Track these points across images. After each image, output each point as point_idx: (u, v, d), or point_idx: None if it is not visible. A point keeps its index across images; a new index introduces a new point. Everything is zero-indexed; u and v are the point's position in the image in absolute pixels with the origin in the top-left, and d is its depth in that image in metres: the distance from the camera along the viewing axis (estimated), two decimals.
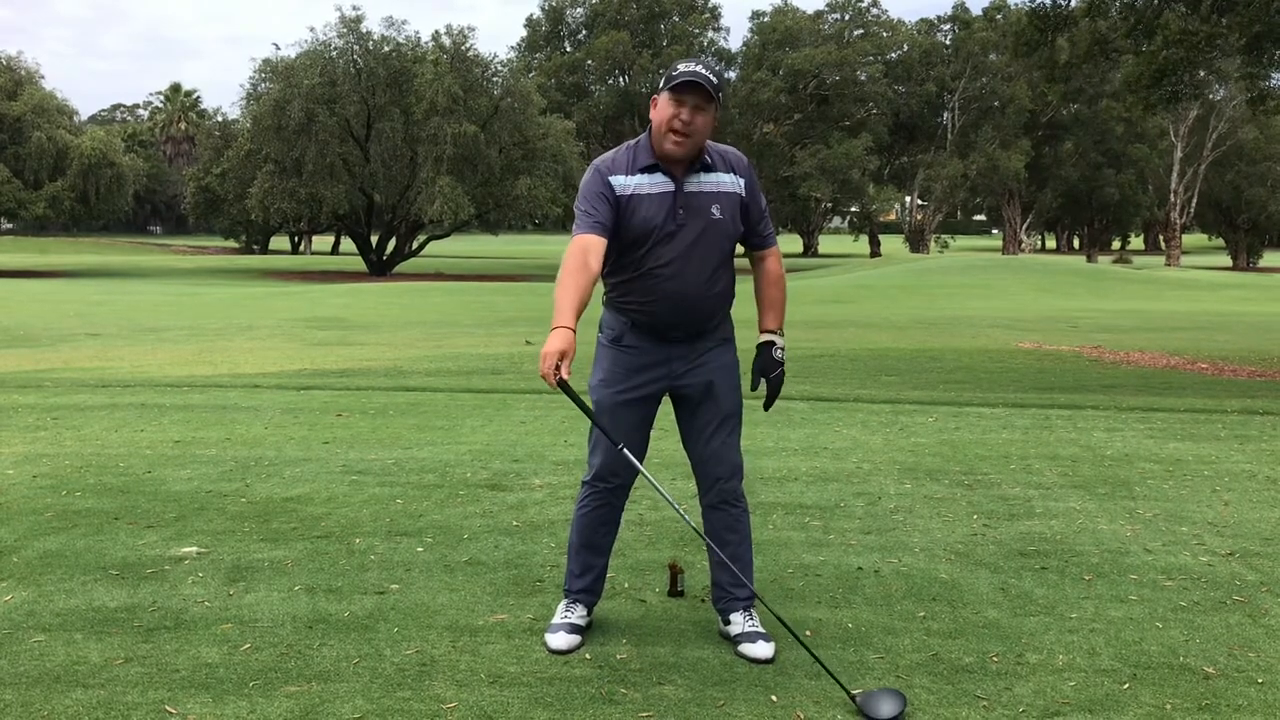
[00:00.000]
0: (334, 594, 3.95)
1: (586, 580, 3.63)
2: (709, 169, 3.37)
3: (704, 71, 3.24)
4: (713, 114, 3.28)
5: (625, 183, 3.33)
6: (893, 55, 67.78)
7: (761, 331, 3.53)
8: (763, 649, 3.38)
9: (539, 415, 7.96)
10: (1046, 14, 16.40)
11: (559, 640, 3.46)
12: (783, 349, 3.52)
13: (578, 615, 3.57)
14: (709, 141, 3.39)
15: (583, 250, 3.22)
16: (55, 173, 54.83)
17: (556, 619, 3.57)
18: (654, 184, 3.33)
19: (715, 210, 3.35)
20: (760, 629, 3.48)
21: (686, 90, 3.22)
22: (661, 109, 3.28)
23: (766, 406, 3.56)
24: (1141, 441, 7.12)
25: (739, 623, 3.49)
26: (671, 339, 3.43)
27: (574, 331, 3.13)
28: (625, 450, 3.31)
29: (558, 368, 3.06)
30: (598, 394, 3.50)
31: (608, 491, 3.56)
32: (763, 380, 3.51)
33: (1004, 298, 32.23)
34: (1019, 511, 5.22)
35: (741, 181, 3.41)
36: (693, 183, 3.35)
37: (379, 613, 3.76)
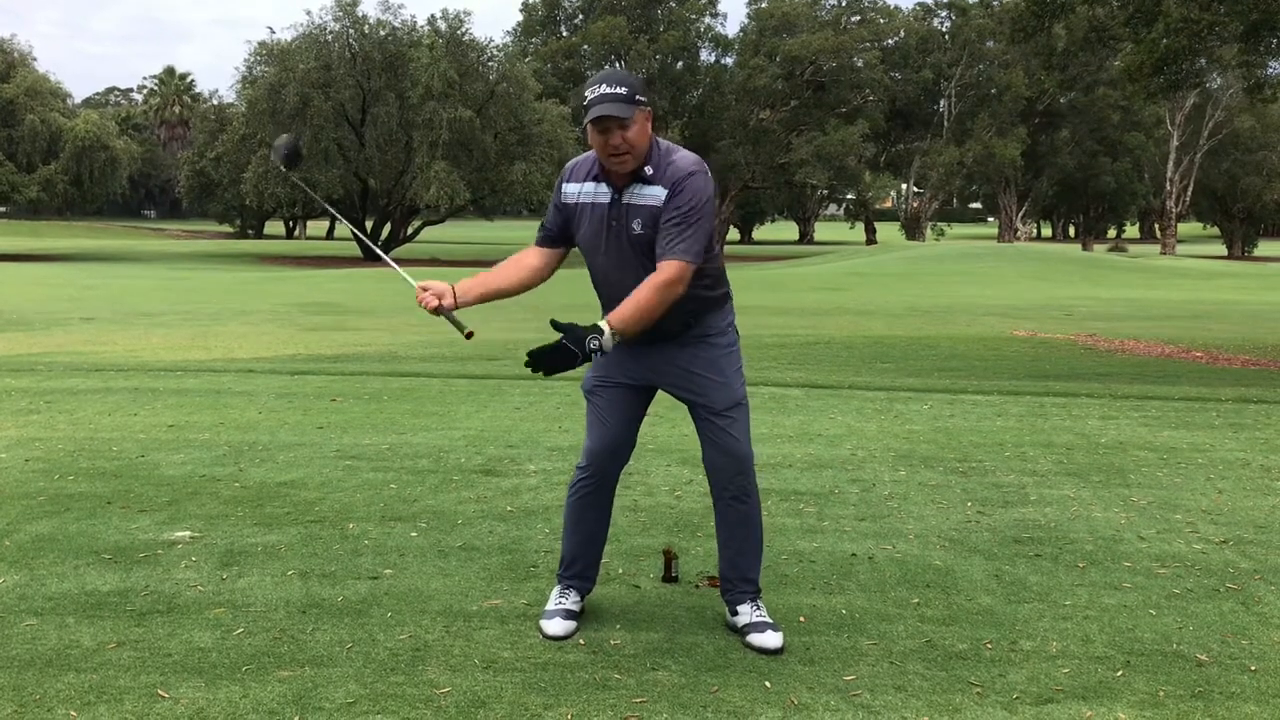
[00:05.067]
0: (327, 579, 3.94)
1: (579, 566, 3.62)
2: (648, 181, 3.28)
3: (608, 92, 3.17)
4: (640, 121, 3.20)
5: (574, 190, 3.41)
6: (889, 42, 67.61)
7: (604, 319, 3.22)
8: (772, 639, 3.37)
9: (534, 401, 7.95)
10: (1044, 0, 16.36)
11: (554, 626, 3.45)
12: (597, 345, 3.11)
13: (571, 601, 3.56)
14: (670, 146, 3.33)
15: (517, 256, 3.54)
16: (49, 156, 54.57)
17: (551, 604, 3.57)
18: (597, 194, 3.36)
19: (636, 225, 3.29)
20: (768, 619, 3.47)
21: (600, 122, 3.18)
22: (591, 139, 3.26)
23: (528, 360, 3.19)
24: (1136, 429, 7.13)
25: (747, 613, 3.48)
26: (640, 340, 3.39)
27: (454, 289, 3.41)
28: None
29: (438, 300, 3.38)
30: (585, 380, 3.62)
31: (596, 476, 3.57)
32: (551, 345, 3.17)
33: (999, 285, 32.24)
34: (1013, 499, 5.22)
35: (663, 194, 3.26)
36: (629, 194, 3.31)
37: (372, 598, 3.75)
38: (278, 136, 3.93)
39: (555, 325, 3.20)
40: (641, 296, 3.20)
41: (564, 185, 3.44)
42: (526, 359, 3.20)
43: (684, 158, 3.30)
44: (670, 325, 3.37)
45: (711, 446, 3.50)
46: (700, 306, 3.43)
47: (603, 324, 3.16)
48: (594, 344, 3.13)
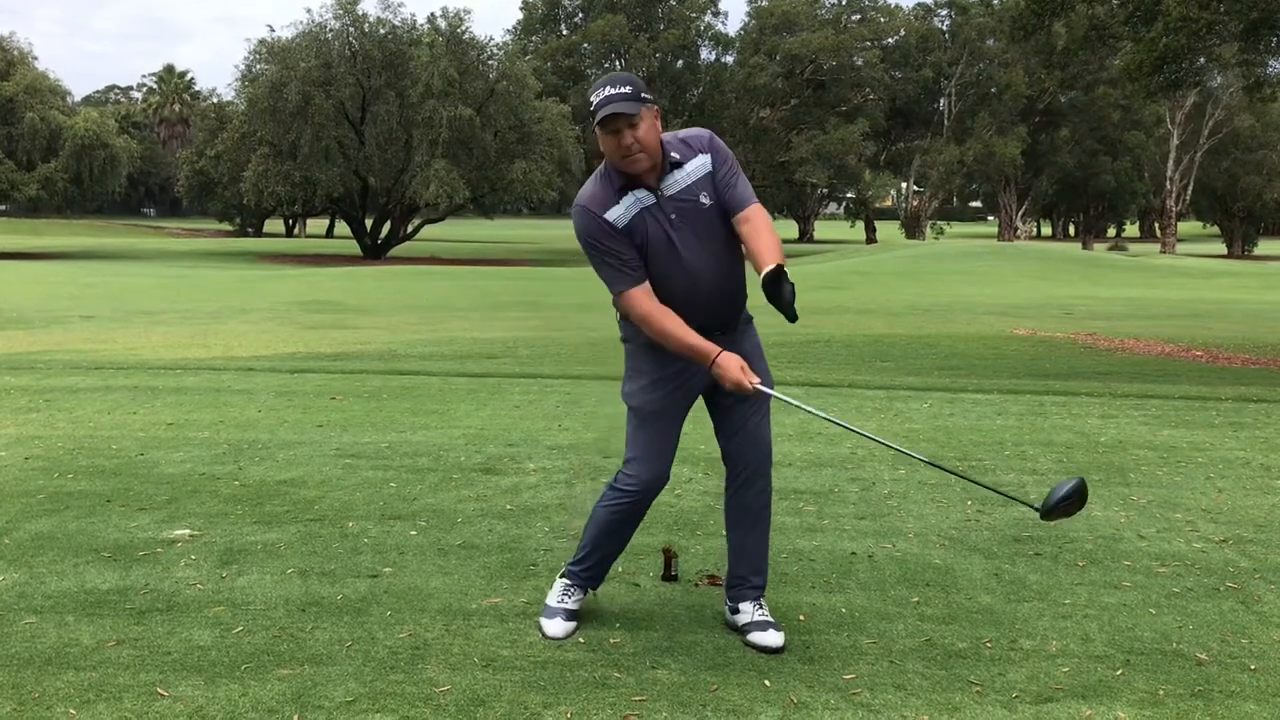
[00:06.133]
0: (327, 577, 3.94)
1: (597, 569, 3.60)
2: (678, 165, 3.28)
3: (614, 92, 3.16)
4: (649, 119, 3.20)
5: (617, 214, 3.28)
6: (890, 41, 67.61)
7: (763, 269, 3.14)
8: (773, 637, 3.37)
9: (533, 400, 7.94)
10: None
11: (555, 627, 3.45)
12: (791, 284, 3.11)
13: (574, 600, 3.55)
14: (674, 134, 3.33)
15: (651, 305, 3.25)
16: (48, 154, 54.54)
17: (553, 602, 3.55)
18: (639, 202, 3.28)
19: (704, 198, 3.29)
20: (770, 618, 3.46)
21: (609, 123, 3.17)
22: (602, 144, 3.24)
23: (789, 313, 3.17)
24: (1136, 428, 7.13)
25: (749, 612, 3.47)
26: (709, 332, 3.33)
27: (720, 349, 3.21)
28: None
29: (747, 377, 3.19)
30: (639, 399, 3.44)
31: (646, 499, 3.48)
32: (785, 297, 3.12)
33: (999, 284, 32.24)
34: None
35: (706, 157, 3.31)
36: (669, 185, 3.28)
37: (372, 596, 3.75)
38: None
39: (774, 280, 3.08)
40: (768, 234, 3.23)
41: (605, 215, 3.26)
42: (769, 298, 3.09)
43: (696, 131, 3.37)
44: (734, 311, 3.40)
45: (747, 437, 3.47)
46: (744, 293, 3.44)
47: (772, 267, 3.10)
48: (790, 284, 3.09)
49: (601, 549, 3.58)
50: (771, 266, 3.09)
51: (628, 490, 3.46)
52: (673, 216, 3.28)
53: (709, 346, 3.21)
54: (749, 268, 3.31)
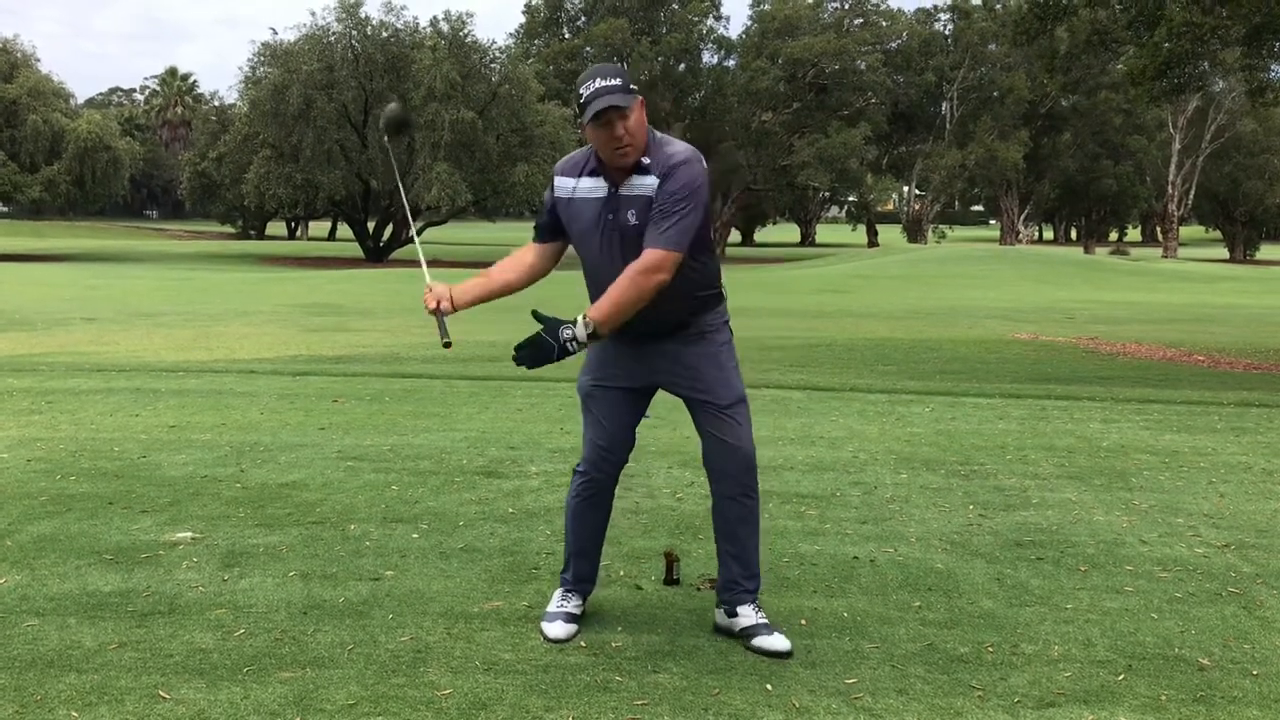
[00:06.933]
0: (329, 580, 3.94)
1: (581, 569, 3.62)
2: (644, 171, 3.24)
3: (605, 85, 3.13)
4: (638, 109, 3.20)
5: (569, 185, 3.35)
6: (892, 45, 67.54)
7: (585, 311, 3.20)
8: (781, 641, 3.35)
9: (535, 402, 7.94)
10: (1046, 3, 16.37)
11: (556, 629, 3.45)
12: (570, 335, 3.11)
13: (573, 604, 3.56)
14: (665, 138, 3.30)
15: (515, 254, 3.55)
16: (51, 156, 54.59)
17: (553, 607, 3.56)
18: (594, 189, 3.30)
19: (630, 216, 3.26)
20: (768, 621, 3.45)
21: (602, 116, 3.15)
22: (592, 138, 3.22)
23: (513, 354, 3.22)
24: (1138, 433, 7.12)
25: (749, 615, 3.45)
26: (639, 337, 3.39)
27: (449, 287, 3.44)
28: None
29: (436, 302, 3.40)
30: (579, 382, 3.59)
31: (596, 479, 3.56)
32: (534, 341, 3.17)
33: (1001, 288, 32.23)
34: (1015, 502, 5.21)
35: (657, 182, 3.23)
36: (626, 187, 3.27)
37: (374, 599, 3.75)
38: (387, 107, 3.93)
39: (536, 316, 3.21)
40: (618, 287, 3.17)
41: (557, 180, 3.41)
42: (513, 353, 3.23)
43: (678, 147, 3.28)
44: (666, 323, 3.37)
45: (716, 443, 3.45)
46: (698, 306, 3.42)
47: (579, 316, 3.16)
48: (566, 333, 3.13)
49: (576, 541, 3.61)
50: (562, 318, 3.18)
51: (578, 470, 3.61)
52: (609, 216, 3.28)
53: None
54: (686, 280, 3.27)
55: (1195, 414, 7.96)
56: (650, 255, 3.17)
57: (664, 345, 3.43)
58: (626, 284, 3.16)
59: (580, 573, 3.62)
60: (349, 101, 48.62)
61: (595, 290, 3.35)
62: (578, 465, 3.62)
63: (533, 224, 3.61)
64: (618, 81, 3.15)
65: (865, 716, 2.94)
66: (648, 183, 3.24)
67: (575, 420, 7.09)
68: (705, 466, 3.55)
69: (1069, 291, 31.75)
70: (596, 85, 3.15)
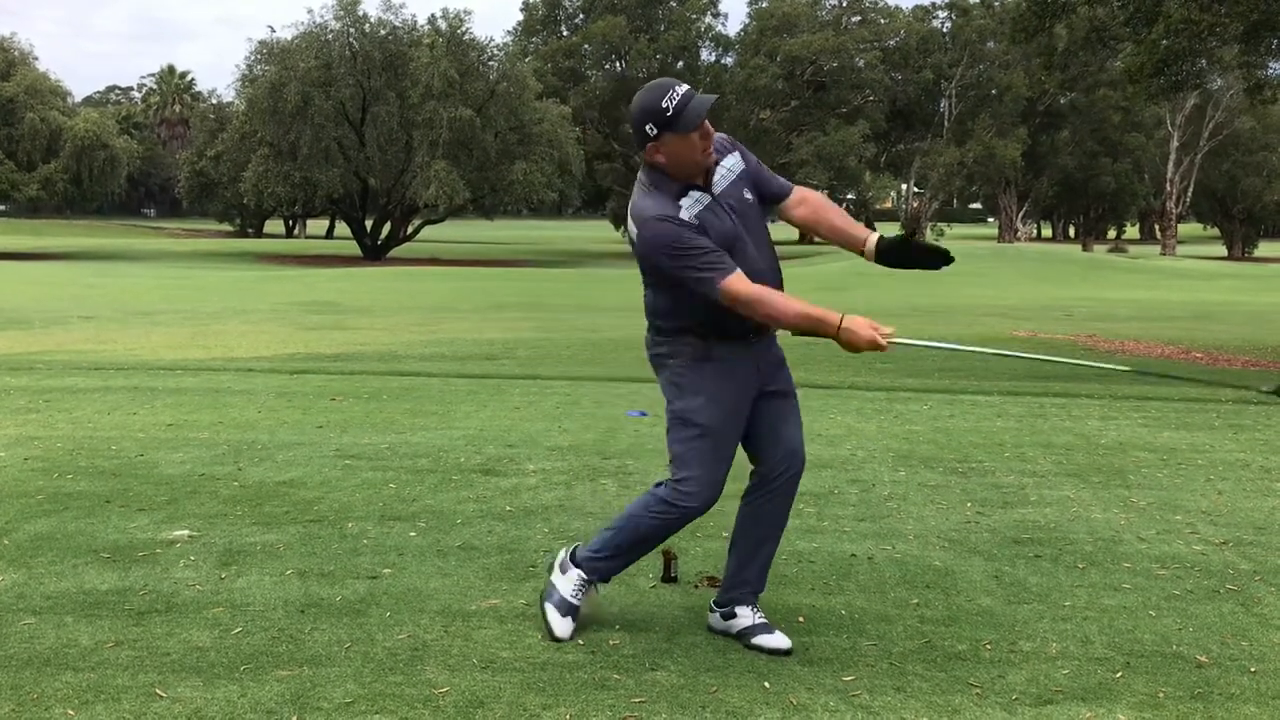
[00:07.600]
0: (326, 578, 3.93)
1: (621, 570, 3.55)
2: (716, 163, 3.25)
3: (686, 89, 3.09)
4: None
5: (687, 208, 3.17)
6: (890, 42, 67.51)
7: (867, 242, 3.30)
8: (783, 640, 3.34)
9: (533, 401, 7.94)
10: (1045, 1, 16.36)
11: (565, 627, 3.39)
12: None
13: (583, 597, 3.47)
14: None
15: (755, 287, 3.12)
16: (49, 154, 54.60)
17: (568, 595, 3.44)
18: (698, 202, 3.19)
19: (747, 194, 3.28)
20: (767, 621, 3.43)
21: (699, 123, 3.10)
22: (683, 147, 3.10)
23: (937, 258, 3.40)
24: (1136, 430, 7.12)
25: (748, 616, 3.43)
26: (755, 339, 3.33)
27: (867, 321, 3.13)
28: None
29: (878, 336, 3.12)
30: (704, 415, 3.28)
31: (696, 516, 3.38)
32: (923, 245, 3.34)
33: (999, 286, 32.24)
34: (1013, 499, 5.21)
35: (736, 155, 3.31)
36: (717, 184, 3.24)
37: (371, 597, 3.74)
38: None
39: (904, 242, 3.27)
40: (833, 209, 3.37)
41: (682, 219, 3.13)
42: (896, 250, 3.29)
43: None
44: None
45: (788, 437, 3.44)
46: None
47: (875, 238, 3.30)
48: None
49: (630, 555, 3.50)
50: (877, 236, 3.25)
51: (684, 507, 3.32)
52: (731, 211, 3.23)
53: (830, 312, 3.12)
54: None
55: (1193, 411, 7.96)
56: (804, 190, 3.36)
57: (763, 344, 3.39)
58: (837, 210, 3.35)
59: (616, 569, 3.53)
60: (347, 99, 48.61)
61: (758, 278, 3.18)
62: (685, 500, 3.31)
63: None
64: (708, 93, 3.18)
65: (863, 714, 2.94)
66: (728, 164, 3.28)
67: (572, 418, 7.11)
68: (766, 467, 3.43)
69: (1067, 289, 31.76)
70: (681, 91, 3.08)
